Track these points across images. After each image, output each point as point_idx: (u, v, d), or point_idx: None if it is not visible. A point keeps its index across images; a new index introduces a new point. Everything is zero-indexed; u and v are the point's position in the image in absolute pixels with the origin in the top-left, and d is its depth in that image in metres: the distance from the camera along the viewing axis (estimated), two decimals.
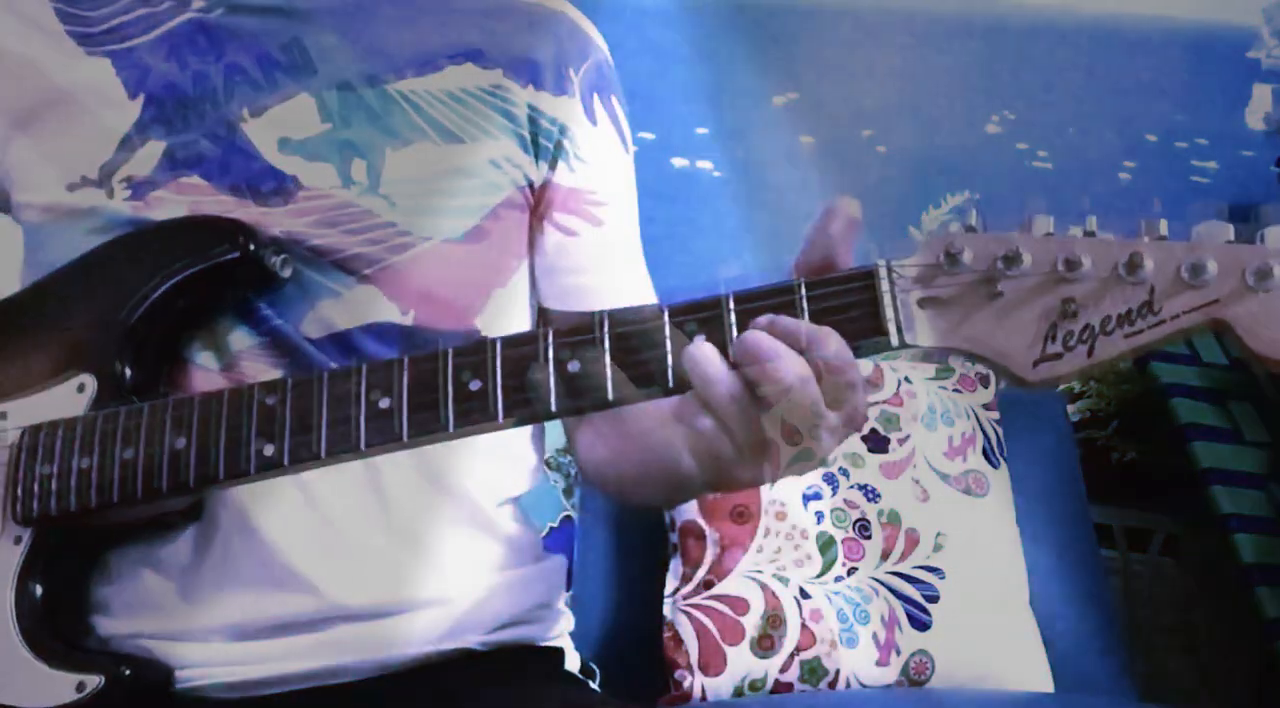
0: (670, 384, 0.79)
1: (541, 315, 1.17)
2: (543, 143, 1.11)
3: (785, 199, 2.42)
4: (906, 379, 2.09)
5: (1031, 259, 0.74)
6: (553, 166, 1.12)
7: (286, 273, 1.01)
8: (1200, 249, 0.71)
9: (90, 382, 0.99)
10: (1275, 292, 0.70)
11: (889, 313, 0.76)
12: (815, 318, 0.77)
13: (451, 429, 0.84)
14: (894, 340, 0.76)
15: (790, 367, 0.75)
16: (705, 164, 2.43)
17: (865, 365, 2.09)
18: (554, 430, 2.25)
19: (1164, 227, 0.73)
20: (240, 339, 1.03)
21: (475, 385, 0.83)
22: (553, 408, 0.82)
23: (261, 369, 1.02)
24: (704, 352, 0.78)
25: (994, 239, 0.75)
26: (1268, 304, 0.70)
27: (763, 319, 0.78)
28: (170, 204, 1.03)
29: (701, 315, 0.79)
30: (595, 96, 1.14)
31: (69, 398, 0.99)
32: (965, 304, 0.75)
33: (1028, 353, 0.74)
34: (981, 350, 0.75)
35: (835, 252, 0.78)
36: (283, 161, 1.04)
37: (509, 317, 1.12)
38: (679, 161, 2.42)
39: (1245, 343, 0.70)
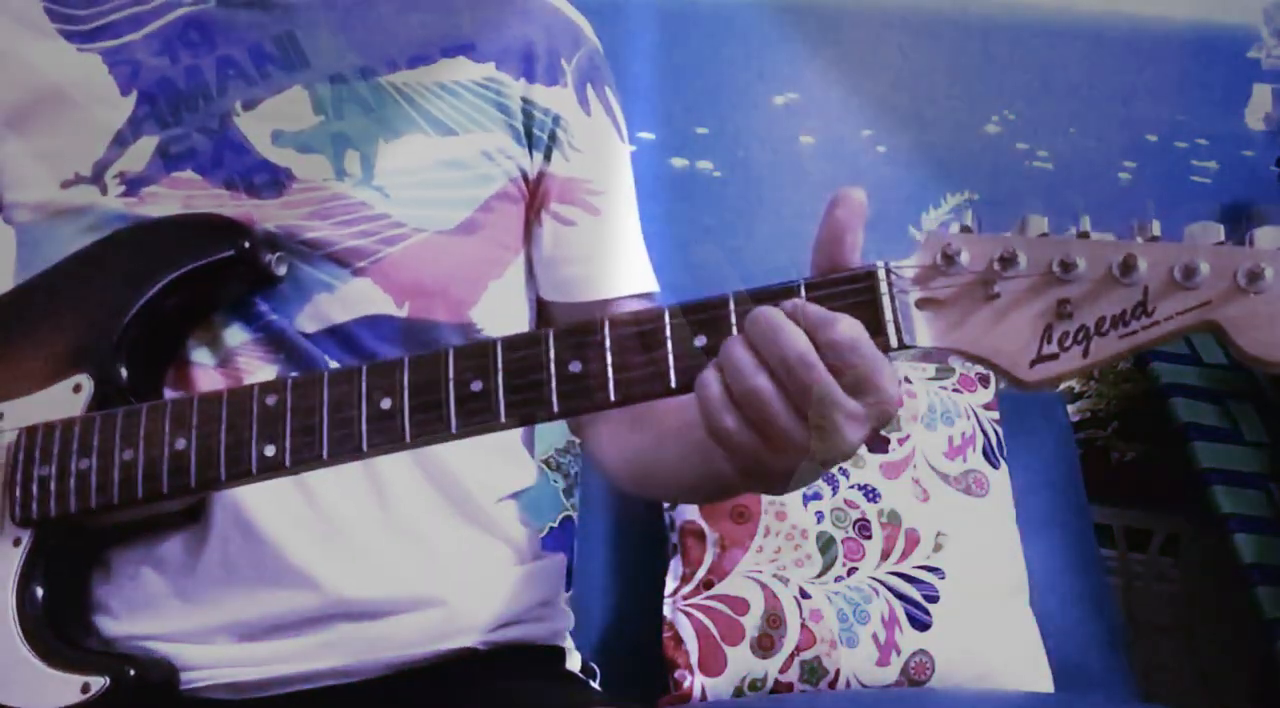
0: (672, 385, 0.79)
1: (541, 308, 1.17)
2: (536, 134, 1.11)
3: (785, 199, 2.42)
4: (906, 379, 2.09)
5: (1027, 260, 0.74)
6: (547, 157, 1.12)
7: (281, 271, 1.02)
8: (1192, 251, 0.72)
9: (86, 382, 0.99)
10: (1266, 294, 0.70)
11: (888, 314, 0.76)
12: None
13: (454, 430, 0.84)
14: (893, 341, 0.76)
15: (790, 341, 0.74)
16: (705, 164, 2.43)
17: None
18: (551, 432, 2.27)
19: (1156, 227, 0.73)
20: (235, 335, 1.03)
21: (477, 386, 0.83)
22: (555, 409, 0.82)
23: (257, 365, 1.02)
24: (709, 378, 0.77)
25: (990, 240, 0.75)
26: (1258, 306, 0.70)
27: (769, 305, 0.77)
28: (164, 200, 1.03)
29: (703, 316, 0.79)
30: (588, 86, 1.14)
31: (65, 399, 0.99)
32: (963, 305, 0.75)
33: (1024, 354, 0.74)
34: (979, 351, 0.75)
35: (842, 238, 0.78)
36: (276, 154, 1.04)
37: (506, 309, 1.12)
38: (679, 161, 2.42)
39: (1236, 344, 0.71)
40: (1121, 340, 0.72)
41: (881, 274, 0.77)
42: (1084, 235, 0.74)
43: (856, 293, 0.77)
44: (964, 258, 0.75)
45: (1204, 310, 0.71)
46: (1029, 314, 0.74)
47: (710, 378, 0.77)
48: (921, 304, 0.76)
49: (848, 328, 0.74)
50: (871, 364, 0.75)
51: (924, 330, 0.76)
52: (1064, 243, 0.74)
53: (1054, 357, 0.73)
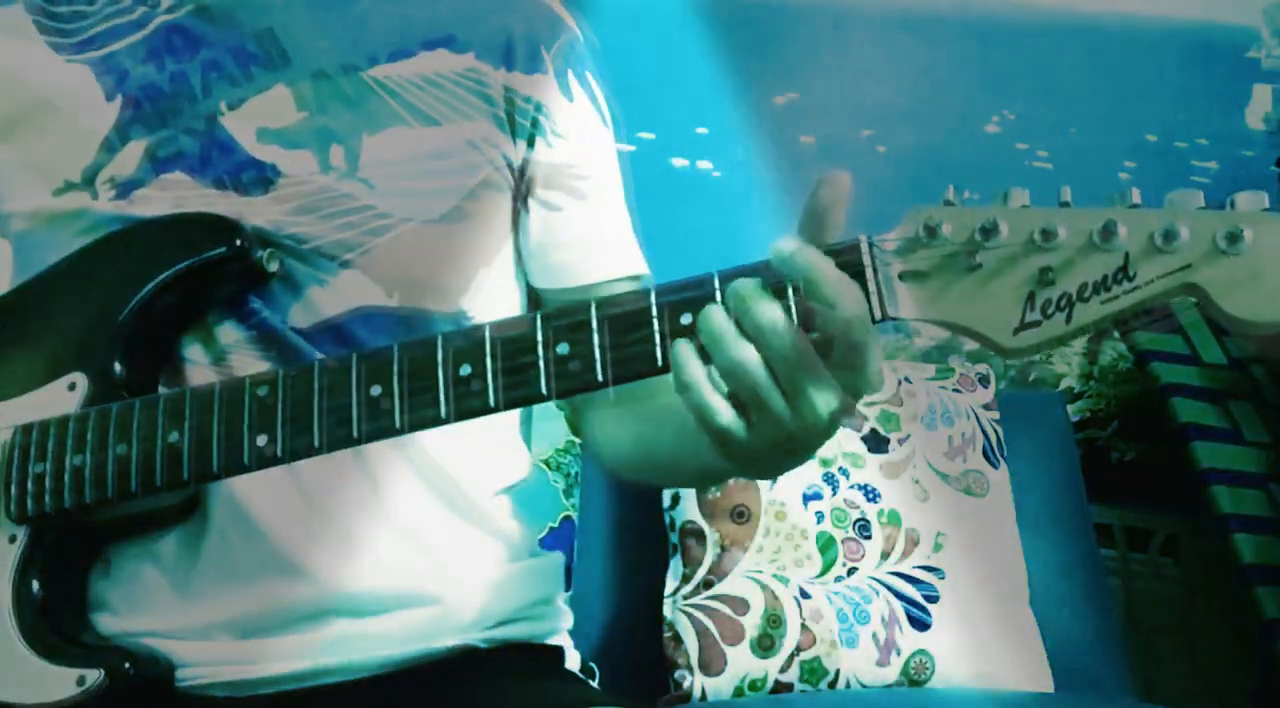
0: (660, 364, 0.80)
1: (533, 296, 1.17)
2: (519, 121, 1.11)
3: (785, 199, 2.42)
4: (906, 379, 2.09)
5: (1008, 230, 0.74)
6: (531, 144, 1.12)
7: (274, 267, 1.02)
8: (1172, 215, 0.72)
9: (81, 380, 1.00)
10: (1245, 255, 0.71)
11: (871, 286, 0.77)
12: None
13: (447, 416, 0.85)
14: (876, 313, 0.77)
15: (764, 306, 0.76)
16: (705, 164, 2.43)
17: None
18: (551, 431, 2.27)
19: (1136, 195, 0.74)
20: (229, 333, 1.03)
21: (469, 371, 0.84)
22: (544, 391, 0.83)
23: (250, 362, 1.03)
24: (684, 352, 0.78)
25: (972, 211, 0.76)
26: (1238, 267, 0.71)
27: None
28: (155, 201, 1.04)
29: (688, 294, 0.80)
30: (570, 73, 1.15)
31: (60, 396, 1.00)
32: (945, 276, 0.76)
33: (1007, 322, 0.75)
34: (961, 320, 0.76)
35: (824, 218, 0.79)
36: (262, 151, 1.05)
37: (496, 297, 1.12)
38: (679, 161, 2.43)
39: (1218, 305, 0.71)
40: (1104, 305, 0.73)
41: (864, 247, 0.78)
42: (1065, 205, 0.74)
43: (840, 265, 0.77)
44: (946, 229, 0.76)
45: (1185, 273, 0.72)
46: (1011, 282, 0.75)
47: (683, 344, 0.78)
48: (904, 276, 0.77)
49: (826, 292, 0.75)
50: (848, 330, 0.75)
51: (907, 302, 0.77)
52: (1045, 212, 0.74)
53: (1036, 324, 0.74)
